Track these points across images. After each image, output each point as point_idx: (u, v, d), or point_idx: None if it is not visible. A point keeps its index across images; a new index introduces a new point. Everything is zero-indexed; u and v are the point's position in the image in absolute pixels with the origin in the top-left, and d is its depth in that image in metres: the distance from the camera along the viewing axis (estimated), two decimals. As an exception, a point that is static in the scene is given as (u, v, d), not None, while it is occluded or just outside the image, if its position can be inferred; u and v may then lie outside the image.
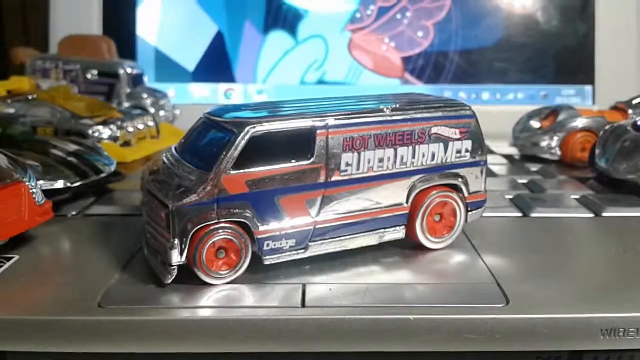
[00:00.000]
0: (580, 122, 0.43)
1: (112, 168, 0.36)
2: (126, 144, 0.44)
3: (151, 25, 0.60)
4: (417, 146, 0.27)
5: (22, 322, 0.22)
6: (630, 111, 0.44)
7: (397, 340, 0.22)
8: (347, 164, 0.26)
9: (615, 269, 0.27)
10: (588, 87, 0.59)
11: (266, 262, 0.25)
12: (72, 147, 0.37)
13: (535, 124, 0.46)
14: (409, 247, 0.27)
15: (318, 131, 0.25)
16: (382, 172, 0.26)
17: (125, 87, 0.52)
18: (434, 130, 0.27)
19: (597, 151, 0.38)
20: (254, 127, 0.24)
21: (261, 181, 0.24)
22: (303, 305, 0.23)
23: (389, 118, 0.26)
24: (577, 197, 0.35)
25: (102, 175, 0.35)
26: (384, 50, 0.60)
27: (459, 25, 0.59)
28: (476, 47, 0.59)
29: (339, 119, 0.26)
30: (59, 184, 0.33)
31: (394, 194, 0.27)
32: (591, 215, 0.33)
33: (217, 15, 0.60)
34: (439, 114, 0.27)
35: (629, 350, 0.23)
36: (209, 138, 0.26)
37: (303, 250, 0.25)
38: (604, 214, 0.33)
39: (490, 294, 0.24)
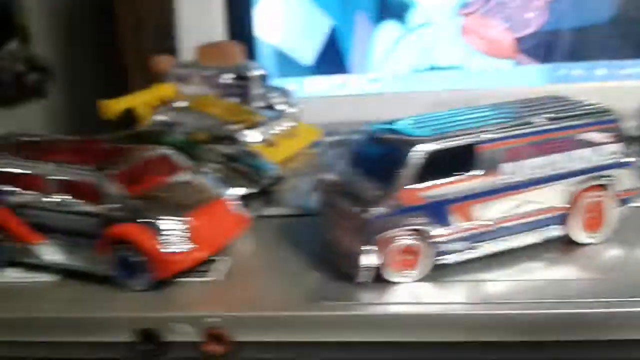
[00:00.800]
0: None
1: (276, 172, 0.40)
2: (270, 145, 0.48)
3: (268, 24, 0.64)
4: (570, 152, 0.30)
5: (254, 317, 0.27)
6: None
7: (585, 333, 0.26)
8: (508, 172, 0.29)
9: None
10: None
11: (443, 262, 0.29)
12: (232, 153, 0.42)
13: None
14: (567, 243, 0.30)
15: (481, 145, 0.28)
16: (539, 177, 0.29)
17: (256, 88, 0.57)
18: (585, 136, 0.30)
19: None
20: (426, 146, 0.28)
21: (433, 193, 0.28)
22: (484, 301, 0.27)
23: (543, 128, 0.29)
24: None
25: (271, 179, 0.39)
26: (495, 33, 0.61)
27: (571, 2, 0.59)
28: (590, 24, 0.59)
29: (497, 133, 0.29)
30: (242, 191, 0.37)
31: (553, 197, 0.29)
32: None
33: (330, 10, 0.63)
34: (589, 120, 0.30)
35: None
36: (381, 154, 0.30)
37: (474, 251, 0.29)
38: None
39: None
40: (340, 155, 0.49)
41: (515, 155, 0.29)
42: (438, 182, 0.28)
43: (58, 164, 0.30)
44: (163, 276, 0.28)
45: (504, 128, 0.29)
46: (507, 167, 0.29)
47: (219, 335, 0.27)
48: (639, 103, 0.48)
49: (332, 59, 0.63)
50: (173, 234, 0.28)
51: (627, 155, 0.30)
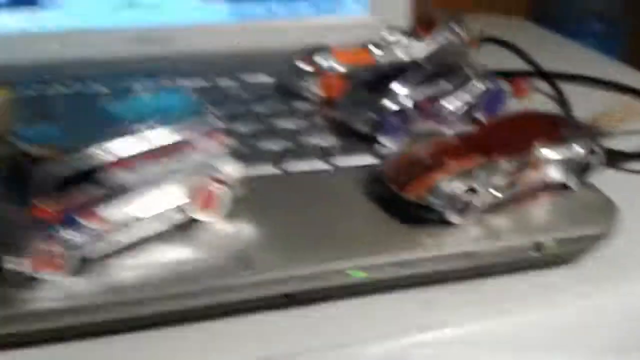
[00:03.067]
0: None
1: None
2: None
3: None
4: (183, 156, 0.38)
5: None
6: (376, 52, 0.56)
7: None
8: (129, 180, 0.36)
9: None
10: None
11: (88, 258, 0.36)
12: None
13: None
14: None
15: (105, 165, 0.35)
16: (158, 179, 0.37)
17: None
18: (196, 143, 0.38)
19: None
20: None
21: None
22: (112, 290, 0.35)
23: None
24: None
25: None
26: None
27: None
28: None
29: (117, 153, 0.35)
30: None
31: (174, 192, 0.38)
32: None
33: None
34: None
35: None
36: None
37: (112, 246, 0.37)
38: None
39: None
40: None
41: (130, 166, 0.35)
42: (67, 198, 0.34)
43: None
44: None
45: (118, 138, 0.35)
46: (125, 175, 0.35)
47: None
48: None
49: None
50: None
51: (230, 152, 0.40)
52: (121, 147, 0.35)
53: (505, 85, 0.52)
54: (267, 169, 0.45)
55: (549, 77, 0.63)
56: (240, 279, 0.36)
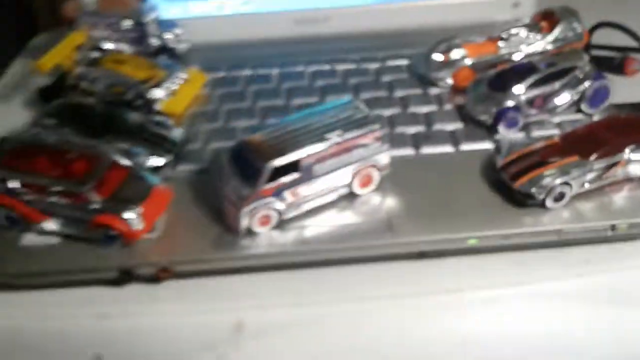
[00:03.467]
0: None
1: (182, 136, 0.60)
2: (172, 95, 0.66)
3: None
4: (352, 151, 0.52)
5: (182, 260, 0.51)
6: (500, 44, 0.66)
7: None
8: (316, 169, 0.52)
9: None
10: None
11: (286, 218, 0.53)
12: (143, 122, 0.60)
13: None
14: (352, 197, 0.55)
15: (302, 158, 0.51)
16: (335, 167, 0.53)
17: (152, 30, 0.72)
18: (360, 140, 0.52)
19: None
20: (274, 162, 0.50)
21: (276, 187, 0.51)
22: (306, 241, 0.52)
23: (335, 141, 0.52)
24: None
25: (180, 144, 0.59)
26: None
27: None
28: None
29: (309, 149, 0.51)
30: (161, 161, 0.58)
31: (343, 175, 0.53)
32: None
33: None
34: (363, 131, 0.52)
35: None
36: (249, 161, 0.51)
37: (300, 209, 0.53)
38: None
39: None
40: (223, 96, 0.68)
41: (319, 160, 0.51)
42: (279, 181, 0.51)
43: (52, 179, 0.50)
44: (128, 242, 0.51)
45: (313, 144, 0.51)
46: (316, 166, 0.51)
47: (166, 269, 0.51)
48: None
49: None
50: (133, 219, 0.50)
51: (384, 146, 0.53)
52: (312, 147, 0.51)
53: (609, 83, 0.61)
54: (406, 151, 0.59)
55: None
56: (384, 240, 0.52)
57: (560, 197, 0.52)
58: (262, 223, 0.52)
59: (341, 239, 0.52)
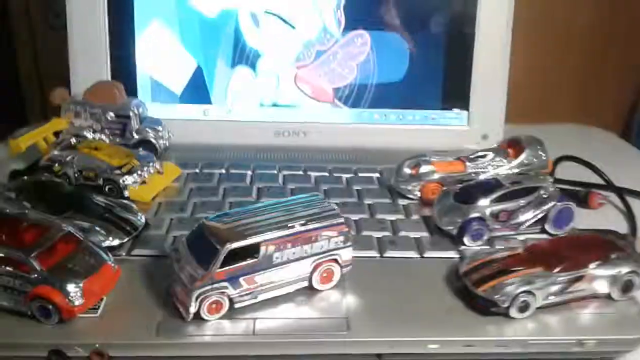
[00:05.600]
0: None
1: (143, 221, 0.59)
2: (143, 183, 0.66)
3: (147, 59, 0.79)
4: (313, 243, 0.51)
5: (118, 344, 0.48)
6: (468, 164, 0.68)
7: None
8: (276, 257, 0.50)
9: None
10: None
11: (238, 307, 0.50)
12: (108, 204, 0.59)
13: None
14: (311, 291, 0.53)
15: (262, 242, 0.49)
16: (295, 257, 0.51)
17: (134, 124, 0.74)
18: (323, 233, 0.51)
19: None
20: (231, 244, 0.48)
21: (231, 271, 0.49)
22: (258, 332, 0.49)
23: (297, 230, 0.50)
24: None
25: (139, 229, 0.58)
26: (320, 82, 0.81)
27: (375, 64, 0.80)
28: (387, 81, 0.81)
29: (270, 234, 0.49)
30: (115, 242, 0.56)
31: (303, 266, 0.52)
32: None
33: (195, 53, 0.79)
34: (326, 223, 0.51)
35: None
36: (206, 242, 0.50)
37: (255, 299, 0.51)
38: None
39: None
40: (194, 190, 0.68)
41: (279, 248, 0.50)
42: (235, 265, 0.49)
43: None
44: (67, 318, 0.48)
45: (274, 230, 0.50)
46: (276, 254, 0.50)
47: (100, 352, 0.47)
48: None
49: (197, 91, 0.81)
50: (73, 293, 0.48)
51: (347, 241, 0.53)
52: (273, 233, 0.50)
53: (573, 206, 0.62)
54: (370, 253, 0.58)
55: (620, 191, 0.71)
56: (340, 338, 0.49)
57: (524, 307, 0.50)
58: (212, 310, 0.49)
59: (295, 334, 0.49)
